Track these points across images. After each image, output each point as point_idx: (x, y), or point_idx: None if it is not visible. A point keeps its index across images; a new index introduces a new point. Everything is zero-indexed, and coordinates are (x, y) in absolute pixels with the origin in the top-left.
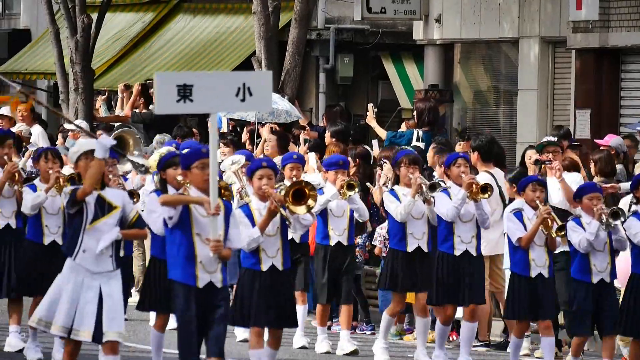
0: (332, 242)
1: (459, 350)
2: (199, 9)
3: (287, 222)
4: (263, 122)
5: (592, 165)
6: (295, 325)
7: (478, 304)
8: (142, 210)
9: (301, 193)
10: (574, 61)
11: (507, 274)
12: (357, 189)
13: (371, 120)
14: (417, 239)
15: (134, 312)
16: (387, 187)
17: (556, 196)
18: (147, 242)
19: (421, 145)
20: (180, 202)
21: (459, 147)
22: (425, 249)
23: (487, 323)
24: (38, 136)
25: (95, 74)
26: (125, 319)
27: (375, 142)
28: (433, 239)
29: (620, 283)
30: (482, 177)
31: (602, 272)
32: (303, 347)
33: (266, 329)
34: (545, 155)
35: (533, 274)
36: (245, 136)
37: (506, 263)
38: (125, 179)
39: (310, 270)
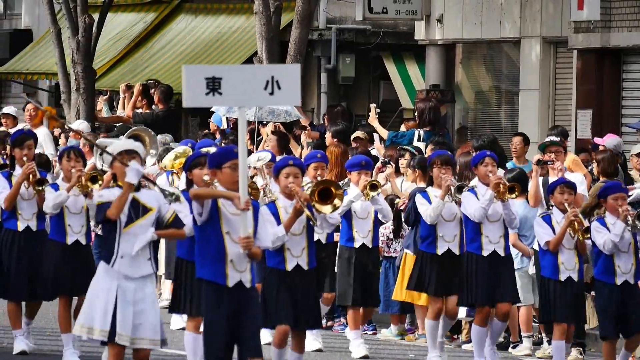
0: (357, 244)
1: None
2: (200, 9)
3: (311, 222)
4: (263, 121)
5: (594, 165)
6: (319, 326)
7: (512, 304)
8: None
9: (327, 192)
10: (575, 61)
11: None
12: (380, 189)
13: (373, 120)
14: (447, 242)
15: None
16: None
17: None
18: None
19: (422, 145)
20: (210, 196)
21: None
22: (457, 252)
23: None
24: (44, 138)
25: (97, 74)
26: None
27: (376, 136)
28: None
29: None
30: None
31: (627, 274)
32: (318, 350)
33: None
34: (547, 155)
35: (562, 277)
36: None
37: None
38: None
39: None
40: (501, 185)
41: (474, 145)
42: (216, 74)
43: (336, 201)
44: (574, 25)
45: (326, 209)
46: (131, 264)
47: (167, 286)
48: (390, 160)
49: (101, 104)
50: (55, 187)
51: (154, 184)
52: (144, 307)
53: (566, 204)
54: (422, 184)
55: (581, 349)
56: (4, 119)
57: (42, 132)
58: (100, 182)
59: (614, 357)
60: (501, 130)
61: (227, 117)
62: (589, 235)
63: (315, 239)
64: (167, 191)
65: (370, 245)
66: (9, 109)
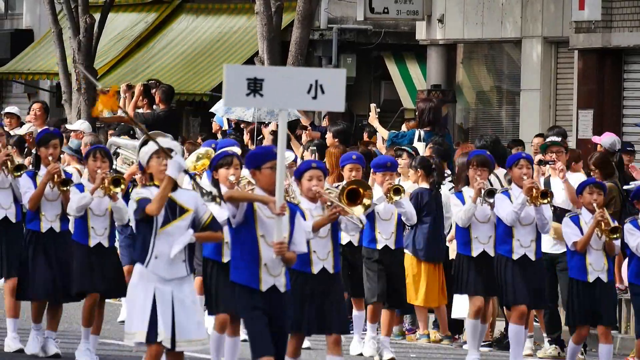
0: (379, 246)
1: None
2: (201, 9)
3: (352, 219)
4: (265, 121)
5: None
6: (346, 331)
7: (541, 309)
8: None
9: (356, 193)
10: (576, 61)
11: None
12: (404, 193)
13: (374, 120)
14: (482, 244)
15: None
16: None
17: (559, 196)
18: None
19: (422, 145)
20: (246, 199)
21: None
22: (492, 254)
23: (490, 323)
24: None
25: (98, 74)
26: None
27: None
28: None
29: None
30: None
31: None
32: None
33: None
34: (549, 156)
35: (591, 278)
36: (246, 136)
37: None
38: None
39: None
40: (534, 190)
41: (476, 145)
42: (258, 75)
43: (365, 200)
44: (575, 25)
45: (357, 210)
46: (166, 265)
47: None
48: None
49: None
50: (80, 188)
51: (194, 180)
52: (185, 307)
53: (595, 204)
54: (424, 184)
55: (582, 349)
56: (7, 118)
57: None
58: (122, 185)
59: None
60: (502, 130)
61: (227, 118)
62: (616, 236)
63: (347, 241)
64: (205, 189)
65: (393, 247)
66: (12, 109)
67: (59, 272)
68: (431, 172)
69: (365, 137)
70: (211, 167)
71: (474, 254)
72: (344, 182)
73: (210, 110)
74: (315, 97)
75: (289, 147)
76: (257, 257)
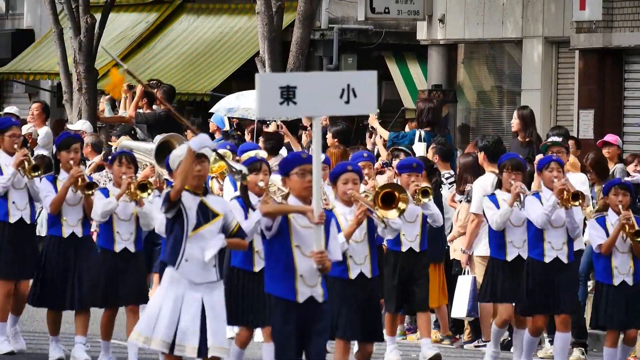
0: (404, 249)
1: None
2: (202, 9)
3: (382, 225)
4: (266, 121)
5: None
6: (381, 338)
7: (571, 314)
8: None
9: (391, 196)
10: (577, 61)
11: None
12: (431, 196)
13: (373, 120)
14: (517, 248)
15: None
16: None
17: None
18: None
19: (423, 145)
20: (283, 212)
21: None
22: (526, 257)
23: (491, 323)
24: (45, 137)
25: (99, 74)
26: None
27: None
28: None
29: None
30: (488, 178)
31: None
32: None
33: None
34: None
35: (616, 282)
36: (247, 136)
37: None
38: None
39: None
40: (565, 192)
41: (478, 145)
42: (291, 83)
43: (401, 204)
44: (575, 25)
45: (391, 213)
46: (198, 269)
47: None
48: (391, 162)
49: (103, 104)
50: (105, 192)
51: (222, 158)
52: (216, 314)
53: (620, 206)
54: (426, 185)
55: (583, 349)
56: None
57: (43, 131)
58: (149, 190)
59: None
60: (503, 130)
61: (228, 117)
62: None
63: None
64: (235, 168)
65: (417, 250)
66: (11, 109)
67: (81, 278)
68: (432, 173)
69: (368, 137)
70: None
71: (509, 258)
72: (378, 185)
73: (210, 111)
74: (347, 102)
75: (277, 149)
76: (293, 268)
